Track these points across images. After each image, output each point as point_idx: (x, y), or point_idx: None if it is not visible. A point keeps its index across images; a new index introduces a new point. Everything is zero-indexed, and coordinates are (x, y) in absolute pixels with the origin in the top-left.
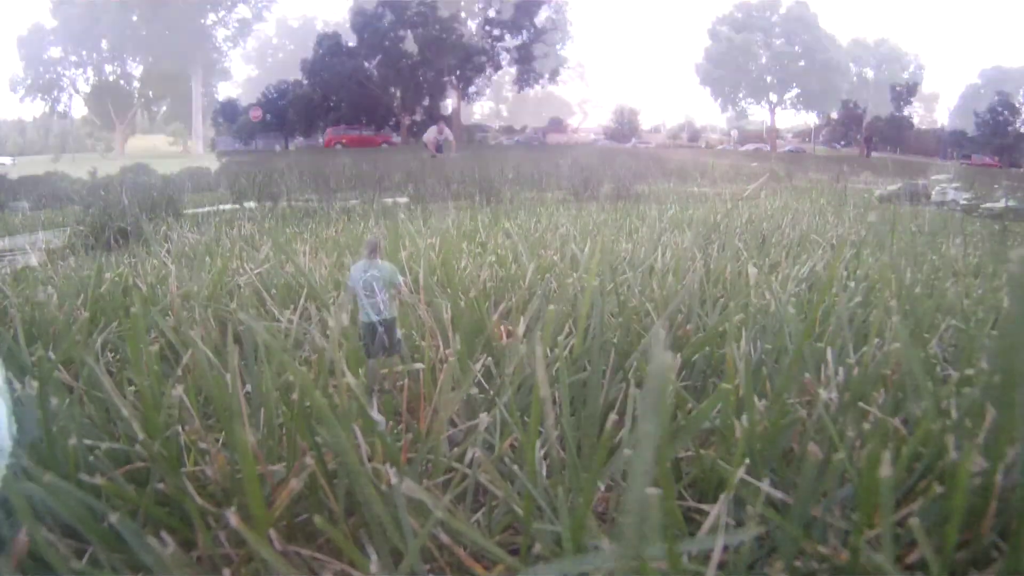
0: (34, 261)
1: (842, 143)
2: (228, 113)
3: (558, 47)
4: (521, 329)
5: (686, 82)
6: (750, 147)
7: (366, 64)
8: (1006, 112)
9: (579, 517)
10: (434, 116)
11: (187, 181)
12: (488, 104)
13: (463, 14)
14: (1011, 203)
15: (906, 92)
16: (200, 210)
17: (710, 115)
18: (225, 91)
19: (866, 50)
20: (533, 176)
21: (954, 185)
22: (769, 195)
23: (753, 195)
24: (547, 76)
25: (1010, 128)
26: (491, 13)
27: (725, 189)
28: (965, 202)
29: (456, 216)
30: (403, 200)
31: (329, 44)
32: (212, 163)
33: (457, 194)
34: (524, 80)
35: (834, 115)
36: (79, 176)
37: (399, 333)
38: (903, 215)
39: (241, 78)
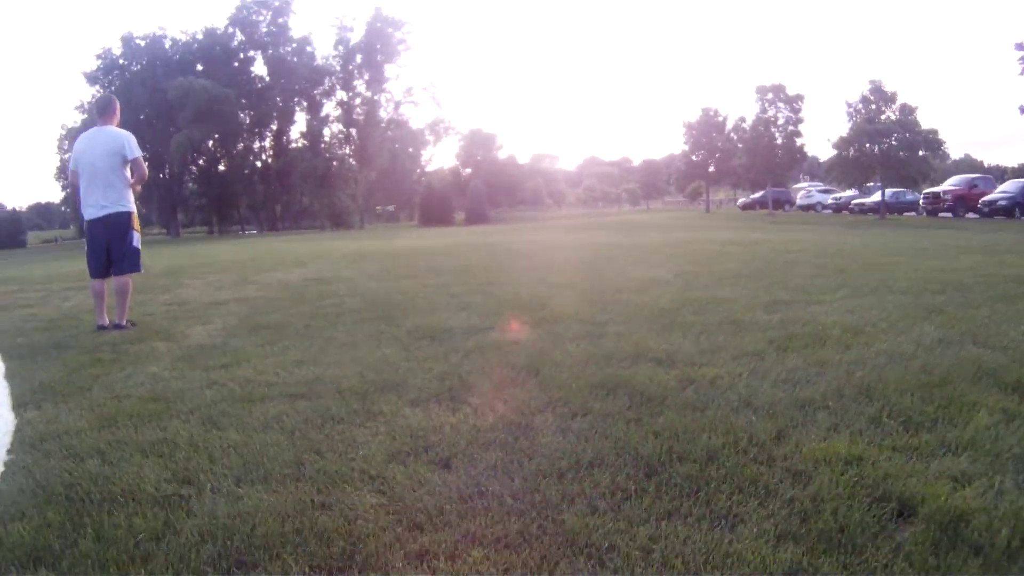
0: None
1: (701, 153)
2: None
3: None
4: None
5: (543, 105)
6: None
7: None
8: (879, 102)
9: None
10: (284, 141)
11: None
12: (338, 127)
13: (313, 36)
14: (887, 197)
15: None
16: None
17: (561, 139)
18: (73, 117)
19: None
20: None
21: (819, 188)
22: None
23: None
24: (401, 98)
25: (883, 116)
26: (346, 32)
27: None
28: (833, 201)
29: None
30: (253, 232)
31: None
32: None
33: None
34: (375, 101)
35: (691, 121)
36: None
37: (136, 238)
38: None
39: (86, 101)
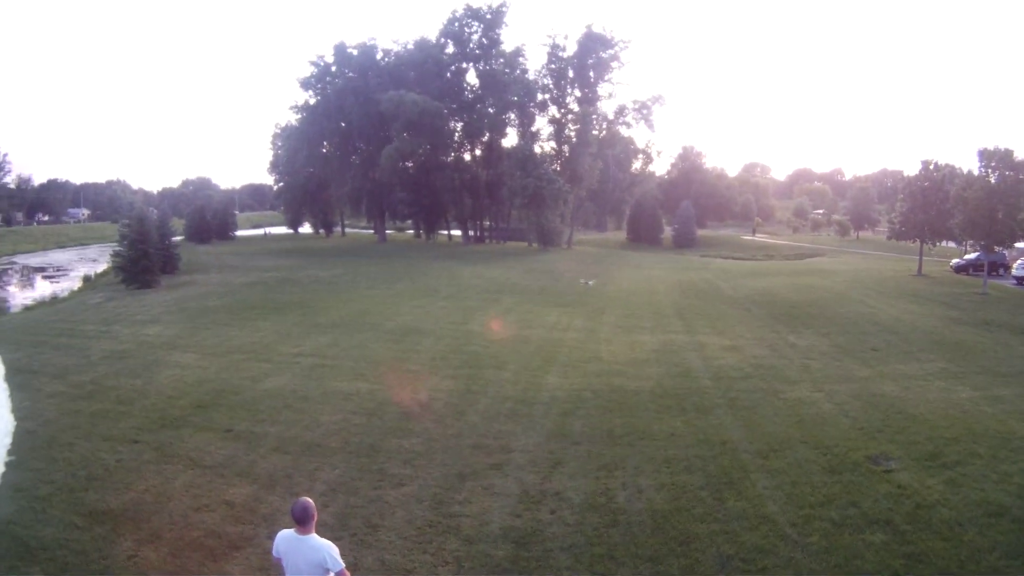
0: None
1: (918, 213)
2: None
3: (622, 88)
4: None
5: (751, 125)
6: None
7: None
8: None
9: None
10: (494, 155)
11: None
12: (550, 144)
13: (526, 48)
14: None
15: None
16: (252, 232)
17: (775, 156)
18: (287, 116)
19: None
20: None
21: None
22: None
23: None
24: (611, 116)
25: None
26: (558, 51)
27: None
28: None
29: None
30: (458, 233)
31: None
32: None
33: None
34: (587, 120)
35: (910, 176)
36: (140, 186)
37: None
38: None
39: (300, 103)
